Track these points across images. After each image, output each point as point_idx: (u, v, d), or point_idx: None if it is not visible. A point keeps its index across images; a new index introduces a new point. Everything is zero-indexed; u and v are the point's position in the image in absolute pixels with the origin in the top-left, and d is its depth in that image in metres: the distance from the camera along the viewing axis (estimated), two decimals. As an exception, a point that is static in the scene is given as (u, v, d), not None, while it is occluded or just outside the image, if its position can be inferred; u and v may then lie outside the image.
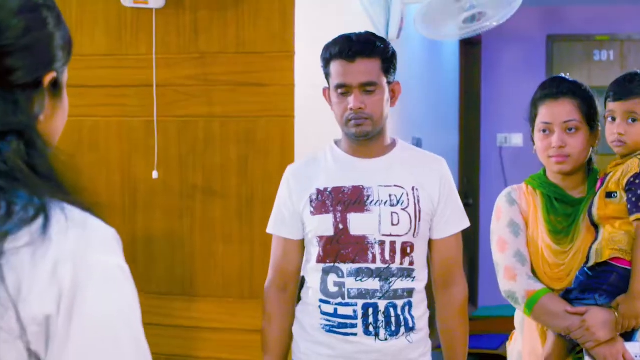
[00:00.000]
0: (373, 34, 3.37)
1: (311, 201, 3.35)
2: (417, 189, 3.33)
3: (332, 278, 3.31)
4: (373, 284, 3.26)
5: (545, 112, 3.36)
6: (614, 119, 3.28)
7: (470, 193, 9.40)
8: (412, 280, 3.31)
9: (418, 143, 6.70)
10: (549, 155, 3.35)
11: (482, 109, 9.70)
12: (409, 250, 3.30)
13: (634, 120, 3.23)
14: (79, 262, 1.35)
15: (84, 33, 4.60)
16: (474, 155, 9.56)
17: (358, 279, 3.26)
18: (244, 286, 4.40)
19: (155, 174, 4.45)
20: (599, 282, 3.18)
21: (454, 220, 3.41)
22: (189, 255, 4.50)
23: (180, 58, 4.48)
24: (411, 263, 3.31)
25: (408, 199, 3.30)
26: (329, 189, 3.34)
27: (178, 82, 4.48)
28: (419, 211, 3.31)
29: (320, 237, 3.32)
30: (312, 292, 3.38)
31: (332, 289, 3.31)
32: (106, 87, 4.60)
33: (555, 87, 3.38)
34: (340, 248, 3.29)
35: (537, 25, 9.57)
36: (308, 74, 4.37)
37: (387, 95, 3.32)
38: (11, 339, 1.29)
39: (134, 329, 1.43)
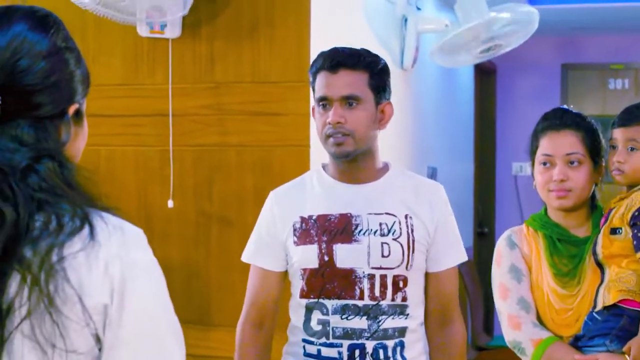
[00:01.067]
0: (366, 50, 3.10)
1: (295, 230, 3.05)
2: (410, 217, 3.02)
3: (316, 315, 3.00)
4: (360, 322, 2.95)
5: (546, 144, 3.19)
6: (614, 147, 3.15)
7: (486, 222, 9.38)
8: (406, 318, 3.00)
9: (433, 172, 6.70)
10: (549, 189, 3.16)
11: (497, 138, 9.70)
12: (401, 284, 2.99)
13: (632, 149, 3.10)
14: (124, 260, 1.65)
15: (100, 63, 4.63)
16: (489, 184, 9.54)
17: (344, 316, 2.96)
18: (260, 315, 4.39)
19: (170, 203, 4.46)
20: (609, 327, 2.99)
21: (451, 251, 3.12)
22: (205, 284, 4.50)
23: (196, 88, 4.50)
24: (404, 299, 3.00)
25: (400, 228, 3.00)
26: (313, 217, 3.03)
27: (194, 111, 4.50)
28: (413, 241, 3.01)
29: (304, 270, 3.02)
30: (296, 330, 3.08)
31: (316, 327, 3.00)
32: (122, 117, 4.62)
33: (558, 119, 3.22)
34: (325, 282, 2.98)
35: (552, 54, 9.58)
36: (323, 104, 4.37)
37: (373, 113, 3.02)
38: (79, 327, 1.59)
39: (168, 309, 1.73)
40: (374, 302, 2.96)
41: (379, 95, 3.04)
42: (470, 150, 8.98)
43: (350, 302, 2.96)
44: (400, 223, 3.01)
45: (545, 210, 3.27)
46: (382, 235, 2.99)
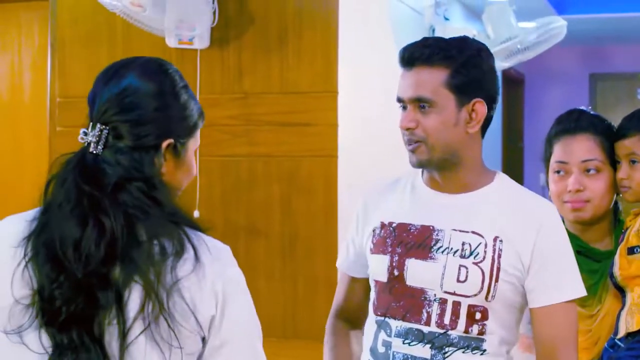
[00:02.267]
0: (460, 40, 2.62)
1: (373, 236, 2.68)
2: (500, 241, 2.53)
3: (381, 335, 2.62)
4: (422, 351, 2.54)
5: (560, 150, 2.86)
6: (619, 163, 2.86)
7: (513, 232, 9.33)
8: (481, 354, 2.53)
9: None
10: (564, 200, 2.83)
11: (525, 149, 9.68)
12: (478, 316, 2.52)
13: (634, 162, 2.81)
14: (224, 277, 1.94)
15: (129, 73, 4.64)
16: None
17: (406, 341, 2.56)
18: (287, 326, 4.40)
19: (196, 213, 4.47)
20: (634, 356, 2.67)
21: (556, 285, 2.54)
22: (232, 294, 4.50)
23: (224, 98, 4.51)
24: (481, 332, 2.52)
25: (485, 252, 2.52)
26: (394, 224, 2.64)
27: (222, 122, 4.51)
28: (498, 269, 2.51)
29: (376, 282, 2.66)
30: (365, 347, 2.73)
31: (380, 349, 2.62)
32: (151, 127, 4.63)
33: (573, 122, 2.89)
34: (392, 299, 2.60)
35: (580, 64, 9.56)
36: (351, 114, 4.38)
37: (452, 116, 2.53)
38: (192, 335, 1.88)
39: (255, 315, 2.01)
40: (442, 331, 2.53)
41: (463, 94, 2.54)
42: (498, 161, 8.96)
43: (415, 326, 2.55)
44: (486, 246, 2.53)
45: (564, 220, 2.88)
46: (462, 257, 2.54)
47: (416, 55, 2.54)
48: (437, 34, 5.60)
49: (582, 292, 2.55)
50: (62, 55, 4.81)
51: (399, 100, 2.58)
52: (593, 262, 2.85)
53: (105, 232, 1.84)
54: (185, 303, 1.87)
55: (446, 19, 5.83)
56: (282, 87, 4.41)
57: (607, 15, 7.91)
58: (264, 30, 4.45)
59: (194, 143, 2.10)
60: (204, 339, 1.92)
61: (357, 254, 2.76)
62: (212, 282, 1.92)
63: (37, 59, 5.31)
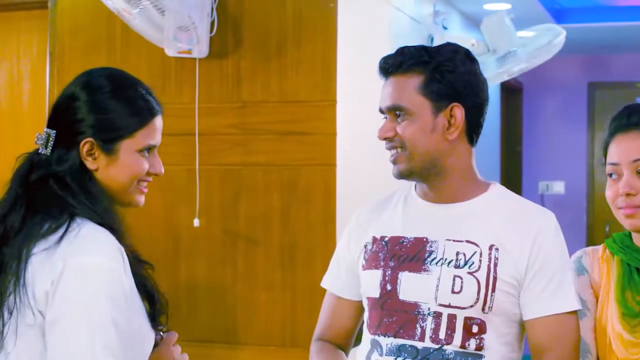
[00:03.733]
0: (441, 45, 2.57)
1: (365, 251, 2.58)
2: (496, 249, 2.42)
3: (374, 356, 2.49)
4: None
5: (613, 150, 2.51)
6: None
7: (512, 241, 9.32)
8: None
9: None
10: (618, 206, 2.49)
11: (523, 157, 9.68)
12: (475, 329, 2.40)
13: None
14: (71, 261, 2.05)
15: (128, 82, 4.65)
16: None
17: (398, 359, 2.42)
18: (286, 334, 4.40)
19: (196, 222, 4.47)
20: None
21: (549, 296, 2.42)
22: (231, 303, 4.50)
23: (223, 107, 4.51)
24: (479, 347, 2.39)
25: (480, 261, 2.41)
26: (386, 238, 2.54)
27: (220, 130, 4.51)
28: (494, 278, 2.40)
29: (368, 299, 2.54)
30: None
31: None
32: (150, 136, 4.63)
33: (625, 118, 2.52)
34: (384, 315, 2.47)
35: (579, 73, 9.57)
36: (350, 123, 4.38)
37: (429, 123, 2.44)
38: (29, 307, 2.04)
39: (93, 302, 2.04)
40: (437, 346, 2.39)
41: (439, 100, 2.45)
42: (497, 169, 8.96)
43: (408, 342, 2.42)
44: (481, 254, 2.42)
45: (631, 234, 2.57)
46: (457, 267, 2.42)
47: (390, 63, 2.51)
48: (436, 43, 5.61)
49: (574, 305, 2.43)
50: (61, 64, 4.81)
51: (380, 111, 2.53)
52: None
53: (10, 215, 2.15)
54: (26, 275, 2.06)
55: (445, 28, 5.84)
56: (281, 96, 4.42)
57: (606, 25, 7.92)
58: (263, 39, 4.45)
59: (135, 144, 2.25)
60: (41, 313, 2.05)
61: (348, 274, 2.64)
62: (56, 261, 2.05)
63: (36, 68, 5.31)
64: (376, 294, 2.49)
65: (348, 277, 2.64)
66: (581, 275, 2.59)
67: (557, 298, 2.42)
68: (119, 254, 2.12)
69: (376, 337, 2.47)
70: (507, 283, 2.41)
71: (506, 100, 9.26)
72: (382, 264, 2.50)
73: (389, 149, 2.50)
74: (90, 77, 2.25)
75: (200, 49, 4.41)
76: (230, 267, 4.51)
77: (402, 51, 2.50)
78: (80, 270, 2.05)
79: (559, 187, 9.41)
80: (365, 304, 2.56)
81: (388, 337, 2.45)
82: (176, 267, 4.59)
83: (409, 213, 2.57)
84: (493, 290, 2.40)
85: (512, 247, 2.42)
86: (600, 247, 2.61)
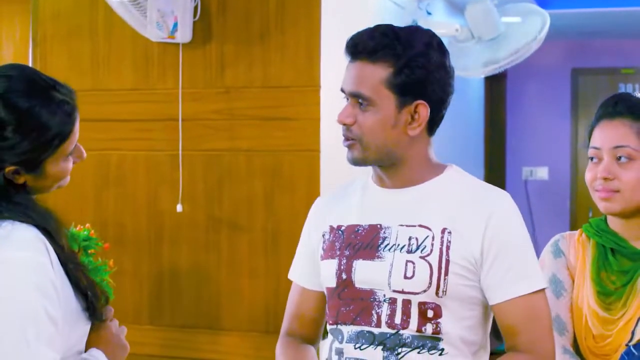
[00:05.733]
0: (410, 31, 2.43)
1: (324, 241, 2.55)
2: (449, 232, 2.37)
3: (335, 344, 2.47)
4: (374, 354, 2.38)
5: (596, 135, 2.63)
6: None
7: (496, 226, 9.34)
8: (440, 355, 2.36)
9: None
10: (595, 189, 2.61)
11: (507, 143, 9.69)
12: (430, 314, 2.36)
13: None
14: None
15: (111, 68, 4.64)
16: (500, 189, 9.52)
17: (357, 345, 2.40)
18: (270, 320, 4.40)
19: (179, 207, 4.47)
20: None
21: (512, 278, 2.36)
22: (215, 289, 4.50)
23: (206, 92, 4.50)
24: (436, 332, 2.36)
25: (433, 245, 2.36)
26: (342, 227, 2.50)
27: (204, 116, 4.50)
28: (447, 262, 2.35)
29: (327, 289, 2.51)
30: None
31: (333, 358, 2.47)
32: (133, 122, 4.63)
33: (611, 106, 2.63)
34: (341, 304, 2.45)
35: (562, 59, 9.57)
36: (334, 109, 4.34)
37: (391, 117, 2.37)
38: None
39: (16, 297, 2.02)
40: (393, 331, 2.37)
41: (405, 95, 2.37)
42: (481, 155, 8.97)
43: (365, 328, 2.40)
44: (433, 238, 2.37)
45: (607, 217, 2.70)
46: (409, 252, 2.38)
47: (360, 48, 2.39)
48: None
49: (540, 283, 2.39)
50: (44, 49, 4.79)
51: (342, 90, 2.43)
52: (626, 262, 2.62)
53: None
54: None
55: (429, 13, 5.83)
56: (265, 81, 4.41)
57: (590, 10, 7.92)
58: (246, 24, 4.44)
59: (59, 155, 2.20)
60: None
61: (310, 264, 2.61)
62: None
63: (19, 52, 5.29)
64: (333, 283, 2.46)
65: (310, 268, 2.61)
66: (558, 257, 2.70)
67: (522, 279, 2.36)
68: (44, 248, 2.10)
69: (337, 326, 2.46)
70: (460, 266, 2.35)
71: (490, 86, 9.26)
72: (337, 253, 2.46)
73: (345, 135, 2.42)
74: (4, 99, 2.14)
75: (184, 34, 4.40)
76: (214, 253, 4.50)
77: (373, 35, 2.39)
78: (4, 264, 2.05)
79: (542, 172, 9.41)
80: (326, 294, 2.53)
81: (347, 325, 2.43)
82: (159, 253, 4.59)
83: (365, 201, 2.51)
84: (446, 274, 2.34)
85: (465, 229, 2.37)
86: (577, 232, 2.73)
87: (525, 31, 5.36)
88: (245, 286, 4.44)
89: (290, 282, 4.02)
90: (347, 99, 2.41)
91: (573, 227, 8.97)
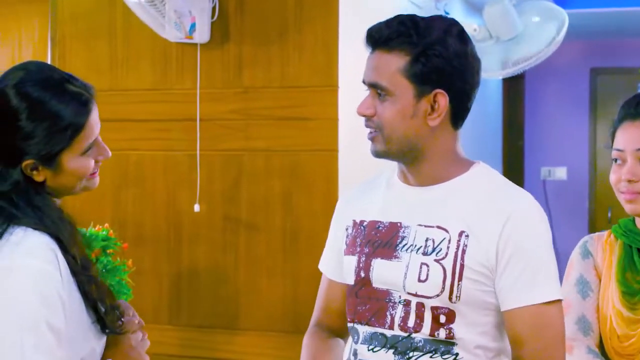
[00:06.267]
0: (432, 19, 2.36)
1: (347, 235, 2.51)
2: (466, 236, 2.29)
3: (352, 344, 2.45)
4: (385, 357, 2.34)
5: (619, 137, 2.62)
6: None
7: (514, 227, 9.31)
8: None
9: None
10: (620, 190, 2.60)
11: (525, 142, 9.67)
12: (443, 319, 2.29)
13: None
14: None
15: (129, 68, 4.65)
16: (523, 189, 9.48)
17: (370, 348, 2.37)
18: (288, 320, 4.40)
19: (197, 207, 4.47)
20: None
21: (526, 285, 2.26)
22: (233, 289, 4.50)
23: (225, 92, 4.51)
24: (450, 337, 2.29)
25: (448, 248, 2.29)
26: (365, 223, 2.46)
27: (222, 116, 4.51)
28: (461, 266, 2.27)
29: (347, 286, 2.49)
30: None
31: (351, 357, 2.45)
32: (151, 121, 4.64)
33: (633, 107, 2.63)
34: (358, 303, 2.41)
35: (581, 59, 9.55)
36: (352, 108, 4.35)
37: (409, 107, 2.31)
38: None
39: (17, 305, 2.01)
40: (405, 334, 2.32)
41: (423, 84, 2.30)
42: (499, 155, 8.96)
43: (379, 330, 2.35)
44: (450, 241, 2.30)
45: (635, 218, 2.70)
46: (425, 254, 2.31)
47: (376, 37, 2.33)
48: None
49: (553, 294, 2.27)
50: (62, 50, 4.80)
51: (363, 82, 2.38)
52: None
53: None
54: None
55: (446, 13, 5.82)
56: (283, 81, 4.41)
57: (609, 10, 7.89)
58: (264, 24, 4.44)
59: (76, 150, 2.19)
60: None
61: (336, 256, 2.56)
62: None
63: (38, 53, 5.31)
64: (352, 280, 2.43)
65: (336, 260, 2.56)
66: (586, 258, 2.69)
67: (533, 287, 2.26)
68: (54, 258, 2.08)
69: (354, 325, 2.42)
70: (475, 271, 2.27)
71: (508, 86, 9.24)
72: (357, 249, 2.42)
73: (367, 126, 2.38)
74: (6, 100, 2.16)
75: (202, 34, 4.40)
76: (232, 253, 4.50)
77: (390, 24, 2.33)
78: (8, 271, 2.04)
79: (561, 172, 9.39)
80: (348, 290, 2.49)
81: (363, 325, 2.39)
82: (178, 253, 4.59)
83: (389, 197, 2.45)
84: (460, 279, 2.27)
85: (482, 232, 2.28)
86: (605, 233, 2.72)
87: (544, 31, 5.35)
88: (263, 286, 4.44)
89: (307, 280, 4.02)
90: (368, 91, 2.37)
91: (592, 227, 8.95)
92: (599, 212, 9.24)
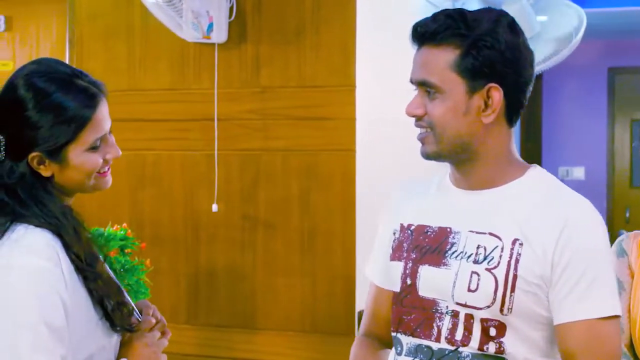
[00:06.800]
0: (481, 11, 2.22)
1: (394, 240, 2.35)
2: (520, 244, 2.12)
3: (395, 355, 2.30)
4: None
5: None
6: None
7: (532, 226, 9.30)
8: None
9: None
10: None
11: (543, 142, 9.64)
12: (493, 332, 2.13)
13: None
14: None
15: (147, 68, 4.66)
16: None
17: None
18: (306, 320, 4.40)
19: (215, 207, 4.48)
20: None
21: (579, 298, 2.09)
22: (251, 288, 4.50)
23: (242, 92, 4.51)
24: (500, 351, 2.12)
25: (501, 256, 2.12)
26: (412, 227, 2.30)
27: (239, 116, 4.51)
28: (514, 277, 2.10)
29: (393, 293, 2.31)
30: None
31: None
32: (169, 121, 4.64)
33: None
34: (403, 312, 2.26)
35: (599, 58, 9.51)
36: (369, 108, 4.37)
37: (461, 104, 2.16)
38: None
39: (16, 303, 2.00)
40: (452, 348, 2.16)
41: (475, 79, 2.15)
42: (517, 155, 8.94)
43: (425, 342, 2.20)
44: (502, 249, 2.13)
45: None
46: (476, 262, 2.15)
47: (422, 32, 2.17)
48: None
49: (611, 309, 2.09)
50: (80, 50, 4.82)
51: (411, 81, 2.23)
52: None
53: None
54: None
55: (464, 12, 5.81)
56: (300, 81, 4.41)
57: (627, 9, 7.86)
58: (282, 24, 4.44)
59: (82, 144, 2.18)
60: None
61: (381, 260, 2.38)
62: None
63: (56, 52, 5.32)
64: (397, 288, 2.26)
65: (383, 265, 2.37)
66: (621, 257, 2.59)
67: (587, 301, 2.09)
68: (55, 256, 2.07)
69: (398, 334, 2.27)
70: (529, 282, 2.10)
71: (526, 86, 9.22)
72: (404, 255, 2.26)
73: (417, 126, 2.21)
74: (15, 91, 2.18)
75: (219, 35, 4.41)
76: (250, 252, 4.51)
77: (437, 17, 2.18)
78: (6, 270, 2.03)
79: (579, 172, 9.36)
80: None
81: (407, 335, 2.24)
82: (196, 253, 4.60)
83: (438, 200, 2.30)
84: (512, 290, 2.10)
85: (537, 241, 2.11)
86: None
87: (562, 31, 5.34)
88: (281, 285, 4.44)
89: (325, 279, 4.01)
90: (416, 91, 2.22)
91: (610, 228, 8.90)
92: (617, 212, 9.20)
